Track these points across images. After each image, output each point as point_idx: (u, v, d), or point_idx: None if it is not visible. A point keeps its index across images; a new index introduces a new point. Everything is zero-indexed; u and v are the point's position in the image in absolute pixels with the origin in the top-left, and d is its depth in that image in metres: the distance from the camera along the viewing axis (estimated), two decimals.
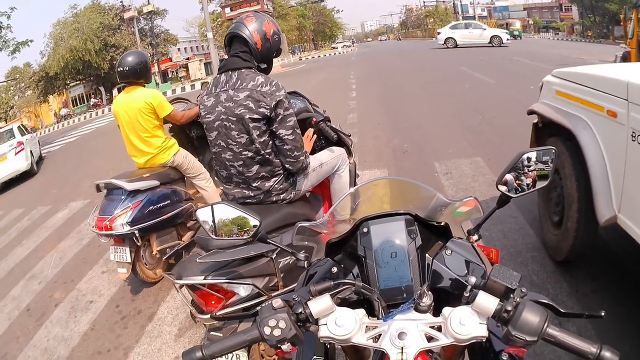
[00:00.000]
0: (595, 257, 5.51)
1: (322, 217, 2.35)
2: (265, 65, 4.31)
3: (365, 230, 2.05)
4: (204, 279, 3.63)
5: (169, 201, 6.49)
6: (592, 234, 4.99)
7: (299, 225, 2.30)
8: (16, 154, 19.00)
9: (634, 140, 3.96)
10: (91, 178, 6.72)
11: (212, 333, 3.61)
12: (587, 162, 4.66)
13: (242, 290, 3.76)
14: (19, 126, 21.91)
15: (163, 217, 6.35)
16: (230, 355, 3.56)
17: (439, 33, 51.73)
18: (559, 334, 1.55)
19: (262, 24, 4.13)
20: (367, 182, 2.42)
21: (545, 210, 5.93)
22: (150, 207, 6.21)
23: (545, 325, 1.53)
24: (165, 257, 6.49)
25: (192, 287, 3.77)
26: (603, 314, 1.73)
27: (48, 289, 7.48)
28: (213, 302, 3.77)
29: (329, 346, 2.09)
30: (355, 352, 1.93)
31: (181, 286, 3.79)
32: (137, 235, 5.99)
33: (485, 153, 10.22)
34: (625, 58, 18.47)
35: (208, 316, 3.81)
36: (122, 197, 6.11)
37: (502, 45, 41.56)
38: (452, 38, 45.56)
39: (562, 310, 1.78)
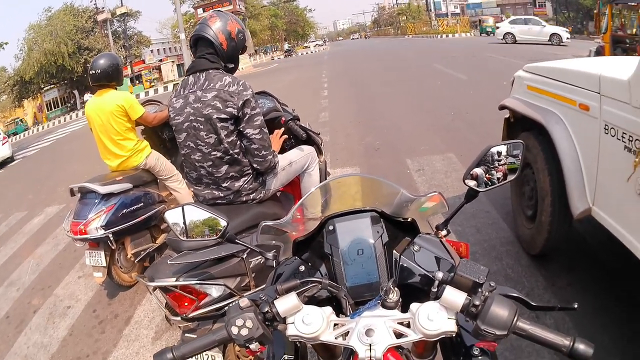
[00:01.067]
0: (571, 250, 5.55)
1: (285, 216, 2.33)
2: (233, 65, 4.33)
3: (331, 228, 2.06)
4: (176, 280, 3.62)
5: (142, 204, 6.47)
6: (566, 227, 5.02)
7: (263, 224, 2.31)
8: (2, 144, 25.84)
9: (606, 133, 3.99)
10: (66, 182, 6.69)
11: (186, 335, 3.60)
12: (560, 155, 4.69)
13: (214, 291, 3.75)
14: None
15: (136, 219, 6.34)
16: (205, 356, 3.57)
17: (497, 27, 50.69)
18: (530, 328, 1.54)
19: (227, 24, 4.13)
20: (331, 179, 2.43)
21: (518, 205, 5.97)
22: (124, 210, 6.18)
23: (515, 319, 1.52)
24: (137, 260, 6.49)
25: (165, 289, 3.75)
26: (576, 306, 1.73)
27: (26, 296, 7.42)
28: (186, 304, 3.76)
29: (299, 345, 2.09)
30: (326, 350, 1.92)
31: (154, 289, 3.78)
32: (112, 238, 5.96)
33: (457, 149, 10.29)
34: (599, 52, 18.81)
35: (185, 317, 3.80)
36: (96, 201, 6.08)
37: (561, 44, 40.15)
38: (511, 33, 43.89)
39: (533, 304, 1.79)
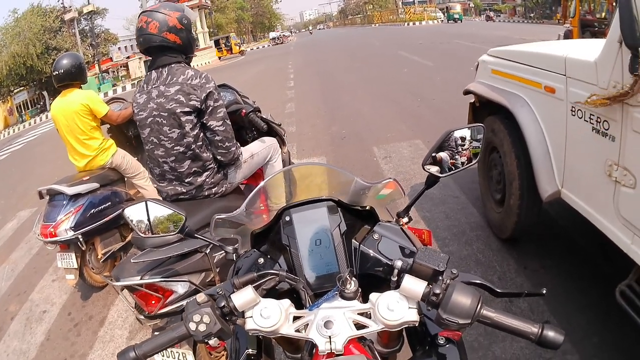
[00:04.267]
0: (543, 234, 5.60)
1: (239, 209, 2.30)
2: (192, 53, 4.33)
3: (287, 219, 2.05)
4: (141, 279, 3.60)
5: (109, 203, 6.43)
6: (536, 210, 5.07)
7: (216, 217, 2.28)
8: None
9: (573, 115, 4.03)
10: (38, 185, 6.61)
11: (156, 334, 3.60)
12: (527, 139, 4.74)
13: (180, 288, 3.75)
14: None
15: (105, 219, 6.29)
16: (176, 354, 3.55)
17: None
18: (495, 315, 1.52)
19: (166, 20, 4.01)
20: (282, 170, 2.41)
21: (486, 189, 6.03)
22: (92, 210, 6.14)
23: (478, 306, 1.50)
24: (102, 261, 6.44)
25: (131, 289, 3.73)
26: (544, 291, 1.71)
27: (3, 303, 7.33)
28: (153, 302, 3.74)
29: (262, 338, 2.06)
30: (289, 342, 1.90)
31: (122, 288, 3.76)
32: (81, 239, 5.93)
33: (424, 135, 10.41)
34: (568, 36, 19.00)
35: (150, 316, 3.79)
36: (64, 202, 6.03)
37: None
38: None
39: (498, 291, 1.78)
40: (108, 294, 6.58)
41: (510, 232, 5.38)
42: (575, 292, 4.62)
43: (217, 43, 69.08)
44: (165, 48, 4.05)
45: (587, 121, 3.81)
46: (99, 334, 5.77)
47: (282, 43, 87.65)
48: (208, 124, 4.08)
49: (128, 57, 72.94)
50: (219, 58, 65.86)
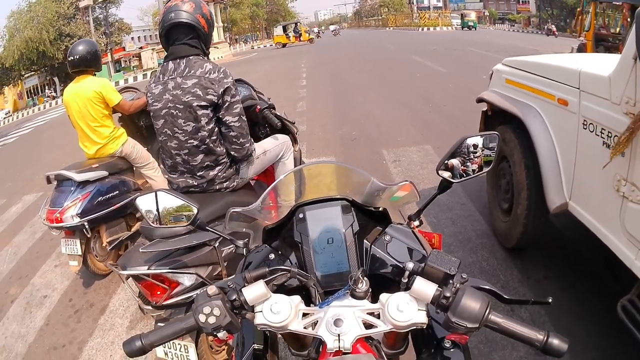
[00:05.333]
0: (548, 244, 5.58)
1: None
2: (209, 48, 4.33)
3: (301, 216, 2.05)
4: (148, 269, 3.60)
5: (117, 192, 6.43)
6: (543, 221, 5.05)
7: (231, 210, 2.28)
8: None
9: (585, 128, 4.02)
10: (45, 170, 6.60)
11: (159, 324, 3.58)
12: (537, 150, 4.72)
13: (187, 280, 3.75)
14: None
15: (112, 207, 6.29)
16: (177, 346, 3.55)
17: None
18: (503, 321, 1.54)
19: (201, 5, 4.06)
20: (302, 166, 2.41)
21: (494, 197, 6.01)
22: (100, 198, 6.13)
23: (487, 311, 1.51)
24: (110, 249, 6.44)
25: (137, 278, 3.72)
26: (550, 300, 1.73)
27: (3, 285, 7.35)
28: (159, 293, 3.74)
29: (269, 334, 2.08)
30: (296, 339, 1.90)
31: (127, 277, 3.75)
32: (87, 226, 5.92)
33: (434, 141, 10.37)
34: (581, 50, 19.00)
35: (156, 306, 3.79)
36: (72, 189, 6.02)
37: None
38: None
39: (506, 297, 1.79)
40: (110, 282, 6.59)
41: (515, 241, 5.36)
42: (578, 304, 4.61)
43: (284, 29, 68.84)
44: (192, 31, 4.04)
45: (598, 135, 3.81)
46: (100, 321, 5.77)
47: (319, 37, 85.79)
48: (224, 119, 4.07)
49: (141, 48, 72.98)
50: (284, 45, 65.75)
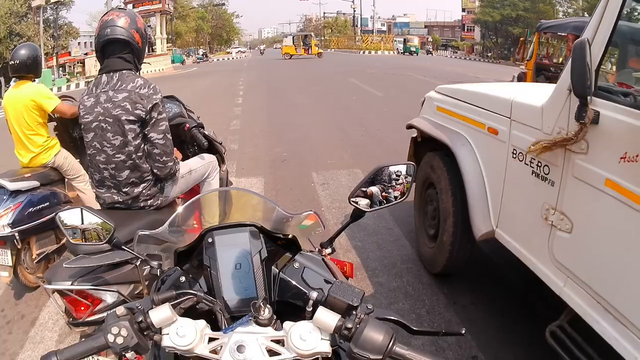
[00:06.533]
0: (475, 270, 5.69)
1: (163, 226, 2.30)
2: (141, 63, 4.35)
3: (210, 240, 2.06)
4: (71, 284, 3.56)
5: (48, 203, 6.28)
6: (469, 247, 5.16)
7: (139, 233, 2.31)
8: None
9: (514, 158, 4.11)
10: None
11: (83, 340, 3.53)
12: (464, 177, 4.84)
13: (109, 297, 3.71)
14: None
15: (42, 219, 6.14)
16: None
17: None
18: (408, 353, 1.55)
19: (136, 20, 4.08)
20: (209, 192, 2.43)
21: (421, 223, 6.08)
22: (31, 209, 5.99)
23: (391, 343, 1.53)
24: (36, 261, 6.30)
25: (62, 293, 3.66)
26: (464, 331, 1.79)
27: None
28: (82, 308, 3.70)
29: (180, 355, 2.07)
30: None
31: (53, 292, 3.68)
32: (17, 237, 5.79)
33: (365, 165, 10.48)
34: (521, 79, 19.51)
35: (76, 322, 3.75)
36: (4, 197, 5.87)
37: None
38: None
39: (414, 328, 1.84)
40: (40, 294, 6.43)
41: (441, 267, 5.44)
42: (505, 330, 4.69)
43: (294, 40, 68.47)
44: (126, 46, 4.05)
45: (527, 165, 3.93)
46: (30, 334, 5.66)
47: (206, 61, 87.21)
48: (149, 136, 4.07)
49: (86, 54, 72.20)
50: (291, 56, 65.61)
